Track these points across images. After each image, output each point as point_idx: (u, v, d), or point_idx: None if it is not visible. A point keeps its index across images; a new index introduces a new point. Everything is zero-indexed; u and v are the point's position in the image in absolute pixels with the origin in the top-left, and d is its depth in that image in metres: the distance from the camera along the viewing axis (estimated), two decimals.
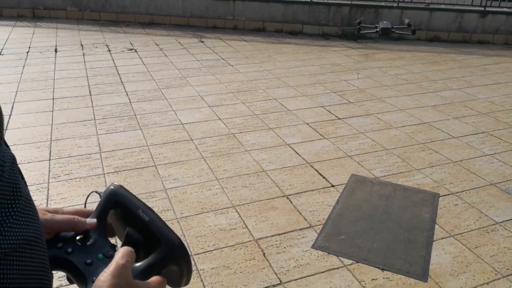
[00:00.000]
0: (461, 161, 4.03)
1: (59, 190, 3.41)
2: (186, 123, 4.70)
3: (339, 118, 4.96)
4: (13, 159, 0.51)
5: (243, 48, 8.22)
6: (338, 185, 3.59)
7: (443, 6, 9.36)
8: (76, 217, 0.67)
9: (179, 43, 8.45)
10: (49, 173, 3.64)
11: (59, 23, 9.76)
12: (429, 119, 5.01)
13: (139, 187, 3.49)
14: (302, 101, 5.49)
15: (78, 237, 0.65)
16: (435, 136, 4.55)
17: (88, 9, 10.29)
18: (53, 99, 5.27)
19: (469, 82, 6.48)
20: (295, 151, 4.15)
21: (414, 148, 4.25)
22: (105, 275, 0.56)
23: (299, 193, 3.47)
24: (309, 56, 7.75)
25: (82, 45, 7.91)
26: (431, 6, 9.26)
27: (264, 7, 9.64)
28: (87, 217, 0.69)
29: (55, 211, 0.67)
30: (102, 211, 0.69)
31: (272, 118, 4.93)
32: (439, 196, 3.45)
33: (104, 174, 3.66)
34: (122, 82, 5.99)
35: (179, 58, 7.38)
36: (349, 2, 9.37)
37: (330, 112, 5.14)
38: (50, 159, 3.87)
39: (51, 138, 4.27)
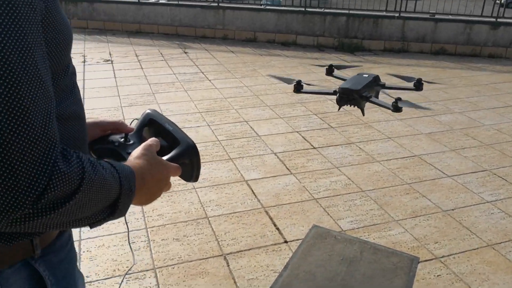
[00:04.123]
0: (452, 210, 3.24)
1: None
2: None
3: (313, 147, 4.22)
4: None
5: (228, 60, 7.55)
6: (293, 240, 2.85)
7: (450, 17, 8.56)
8: (120, 120, 1.07)
9: (161, 54, 7.83)
10: None
11: None
12: (421, 150, 4.23)
13: None
14: (277, 124, 4.77)
15: (122, 139, 1.02)
16: (425, 174, 3.77)
17: (76, 17, 9.78)
18: None
19: (475, 104, 5.68)
20: (252, 190, 3.43)
21: (396, 190, 3.48)
22: (136, 149, 0.92)
23: (242, 251, 2.75)
24: (297, 70, 7.03)
25: None
26: (436, 16, 8.47)
27: (255, 17, 8.96)
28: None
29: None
30: (140, 126, 1.07)
31: (236, 145, 4.22)
32: (418, 262, 2.68)
33: None
34: (83, 98, 5.36)
35: (155, 71, 6.75)
36: (346, 12, 8.64)
37: (305, 139, 4.41)
38: None
39: None
